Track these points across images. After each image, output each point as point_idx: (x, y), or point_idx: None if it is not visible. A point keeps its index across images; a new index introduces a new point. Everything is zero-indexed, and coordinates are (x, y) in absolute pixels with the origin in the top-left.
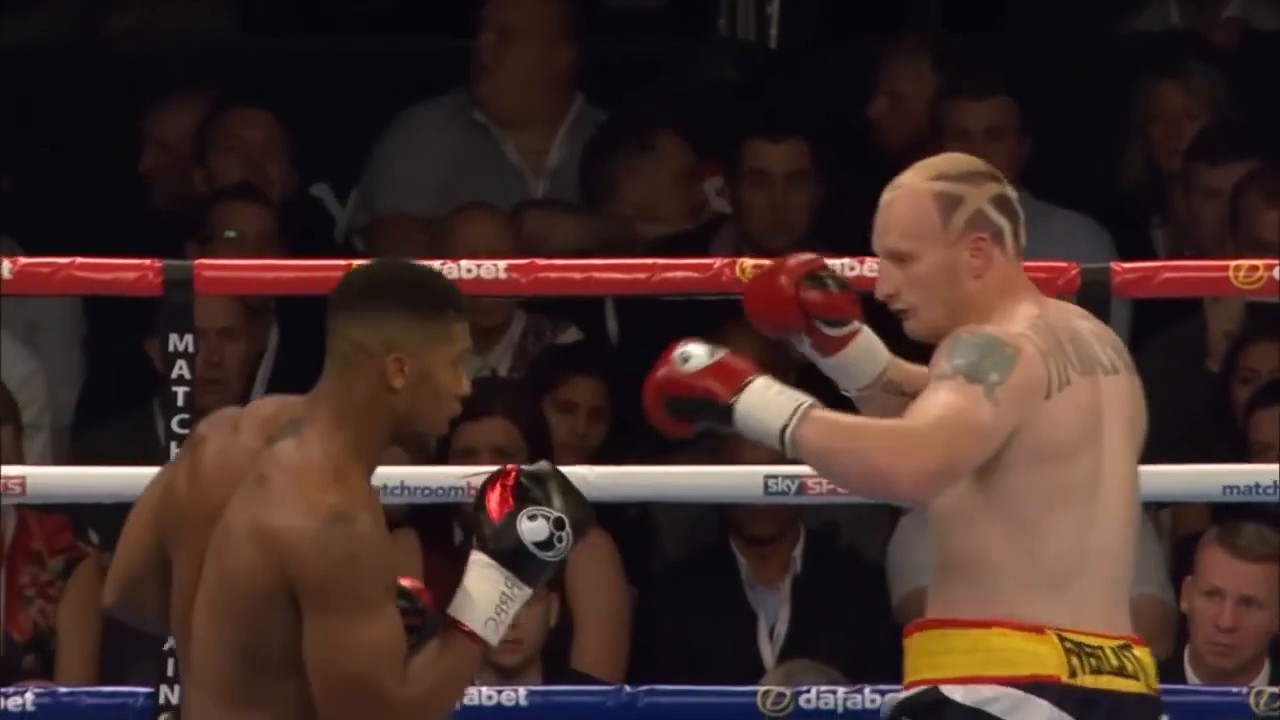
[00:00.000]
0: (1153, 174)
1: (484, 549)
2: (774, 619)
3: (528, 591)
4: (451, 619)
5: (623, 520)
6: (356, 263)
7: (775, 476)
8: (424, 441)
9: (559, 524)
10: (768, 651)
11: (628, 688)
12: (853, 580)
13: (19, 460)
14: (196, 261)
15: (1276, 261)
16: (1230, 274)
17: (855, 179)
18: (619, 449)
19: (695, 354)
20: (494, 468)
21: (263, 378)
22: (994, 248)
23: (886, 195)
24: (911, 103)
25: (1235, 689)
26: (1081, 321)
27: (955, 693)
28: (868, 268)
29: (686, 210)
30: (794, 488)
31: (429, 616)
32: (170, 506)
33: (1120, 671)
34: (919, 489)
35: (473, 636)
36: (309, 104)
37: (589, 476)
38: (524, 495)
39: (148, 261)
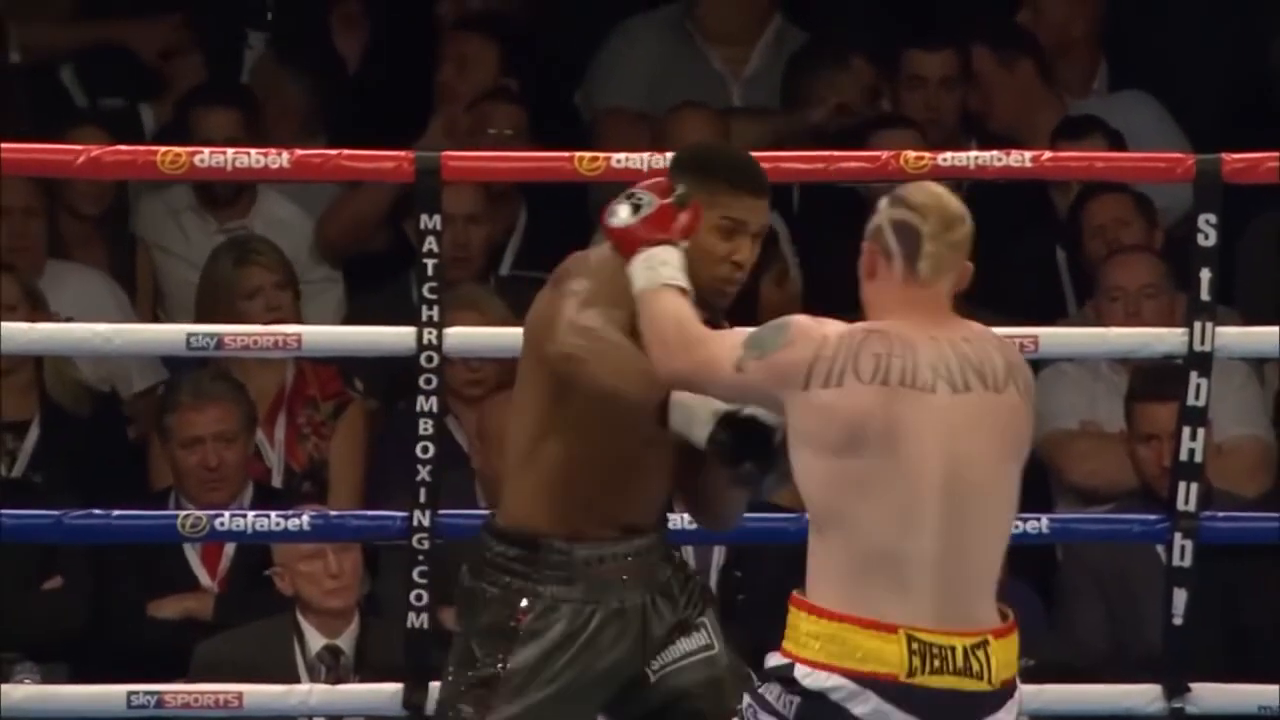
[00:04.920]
0: None
1: None
2: None
3: None
4: None
5: None
6: (577, 155)
7: None
8: (709, 305)
9: None
10: None
11: None
12: None
13: (298, 320)
14: (443, 153)
15: None
16: None
17: (1009, 80)
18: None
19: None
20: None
21: (512, 249)
22: (880, 260)
23: None
24: (1049, 14)
25: None
26: (963, 345)
27: (803, 674)
28: (1013, 159)
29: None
30: None
31: None
32: None
33: (966, 671)
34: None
35: None
36: (547, 14)
37: None
38: None
39: (402, 153)
